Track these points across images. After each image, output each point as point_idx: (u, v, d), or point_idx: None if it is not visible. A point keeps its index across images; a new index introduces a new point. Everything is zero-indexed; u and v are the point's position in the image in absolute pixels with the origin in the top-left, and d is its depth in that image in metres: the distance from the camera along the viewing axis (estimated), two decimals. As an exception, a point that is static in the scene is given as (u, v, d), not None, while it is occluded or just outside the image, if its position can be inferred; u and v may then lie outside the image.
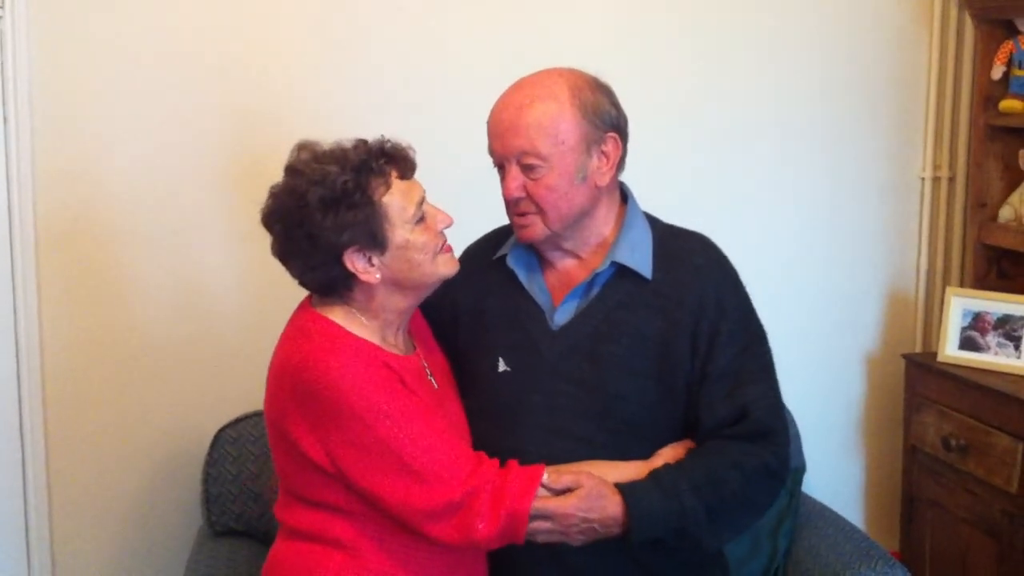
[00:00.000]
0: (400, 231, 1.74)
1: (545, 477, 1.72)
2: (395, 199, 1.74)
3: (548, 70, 1.86)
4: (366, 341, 1.76)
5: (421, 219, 1.77)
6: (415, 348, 1.89)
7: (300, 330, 1.78)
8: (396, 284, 1.77)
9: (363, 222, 1.71)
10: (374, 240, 1.72)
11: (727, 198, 3.02)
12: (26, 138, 2.54)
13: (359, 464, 1.69)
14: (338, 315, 1.78)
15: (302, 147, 1.78)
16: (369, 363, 1.72)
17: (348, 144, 1.77)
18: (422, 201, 1.78)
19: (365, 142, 1.78)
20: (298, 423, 1.72)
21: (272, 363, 1.80)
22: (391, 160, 1.76)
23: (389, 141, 1.79)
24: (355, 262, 1.73)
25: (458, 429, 1.85)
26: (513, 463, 1.76)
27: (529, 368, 1.89)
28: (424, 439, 1.69)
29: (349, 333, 1.75)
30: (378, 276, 1.75)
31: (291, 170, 1.76)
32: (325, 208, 1.70)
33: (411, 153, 1.81)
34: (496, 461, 1.75)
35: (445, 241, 1.82)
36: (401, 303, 1.81)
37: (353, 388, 1.68)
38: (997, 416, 2.69)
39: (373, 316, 1.79)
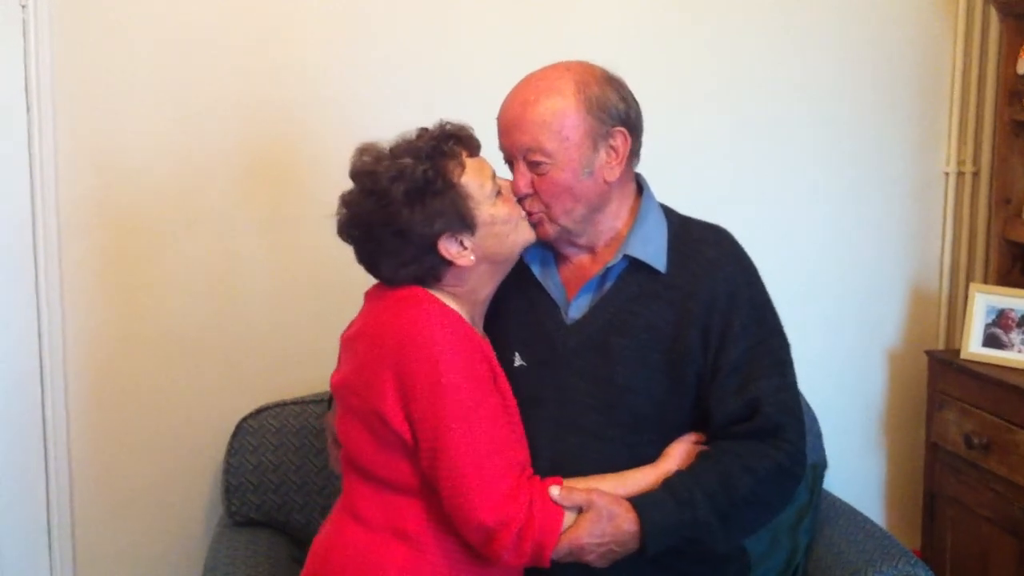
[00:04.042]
0: (484, 207, 1.76)
1: (556, 492, 1.71)
2: (472, 178, 1.76)
3: (556, 64, 1.85)
4: (470, 326, 1.76)
5: (498, 192, 1.79)
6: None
7: (407, 299, 1.75)
8: (488, 262, 1.79)
9: (451, 206, 1.72)
10: (463, 222, 1.73)
11: (750, 193, 3.01)
12: (49, 128, 2.55)
13: (429, 435, 1.67)
14: (432, 290, 1.78)
15: (363, 150, 1.79)
16: (468, 346, 1.72)
17: (411, 135, 1.78)
18: (494, 175, 1.80)
19: (427, 129, 1.79)
20: (387, 388, 1.69)
21: (364, 332, 1.77)
22: (459, 141, 1.78)
23: (449, 123, 1.80)
24: (449, 248, 1.74)
25: (516, 427, 1.82)
26: (536, 481, 1.74)
27: (544, 363, 1.88)
28: (481, 444, 1.68)
29: (452, 309, 1.75)
30: (472, 258, 1.76)
31: (363, 173, 1.76)
32: (411, 201, 1.70)
33: (473, 131, 1.82)
34: (530, 484, 1.72)
35: (522, 209, 1.83)
36: (490, 283, 1.82)
37: (451, 372, 1.67)
38: (1020, 414, 2.67)
39: (463, 301, 1.80)
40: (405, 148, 1.76)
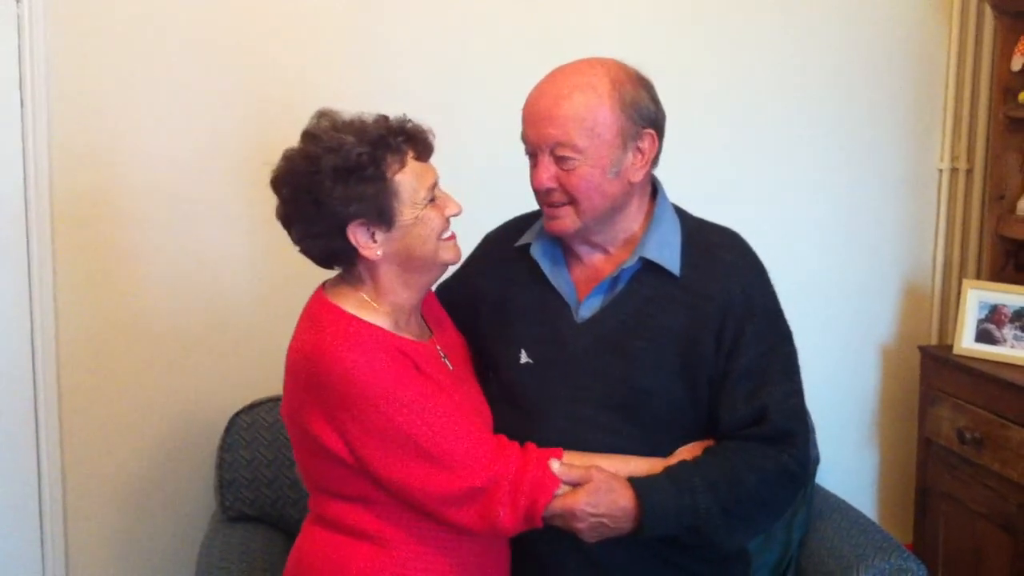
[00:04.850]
0: (409, 210, 1.73)
1: (557, 465, 1.72)
2: (408, 179, 1.73)
3: (589, 60, 1.82)
4: (378, 327, 1.74)
5: (432, 201, 1.76)
6: (431, 332, 1.87)
7: (311, 320, 1.76)
8: (399, 263, 1.76)
9: (373, 197, 1.70)
10: (380, 216, 1.71)
11: (744, 190, 3.02)
12: (43, 123, 2.55)
13: (378, 453, 1.68)
14: (349, 303, 1.76)
15: (323, 114, 1.77)
16: (382, 350, 1.70)
17: (369, 118, 1.76)
18: (434, 185, 1.77)
19: (386, 118, 1.77)
20: (315, 415, 1.71)
21: (287, 356, 1.79)
22: (410, 140, 1.75)
23: (410, 121, 1.78)
24: (358, 235, 1.72)
25: (478, 412, 1.84)
26: (531, 445, 1.75)
27: (553, 361, 1.87)
28: (442, 425, 1.69)
29: (361, 320, 1.74)
30: (379, 253, 1.73)
31: (308, 135, 1.75)
32: (336, 177, 1.68)
33: (430, 136, 1.80)
34: (516, 444, 1.75)
35: (449, 227, 1.80)
36: (404, 290, 1.79)
37: (367, 376, 1.66)
38: (1013, 409, 2.68)
39: (383, 299, 1.77)
40: (355, 126, 1.73)
